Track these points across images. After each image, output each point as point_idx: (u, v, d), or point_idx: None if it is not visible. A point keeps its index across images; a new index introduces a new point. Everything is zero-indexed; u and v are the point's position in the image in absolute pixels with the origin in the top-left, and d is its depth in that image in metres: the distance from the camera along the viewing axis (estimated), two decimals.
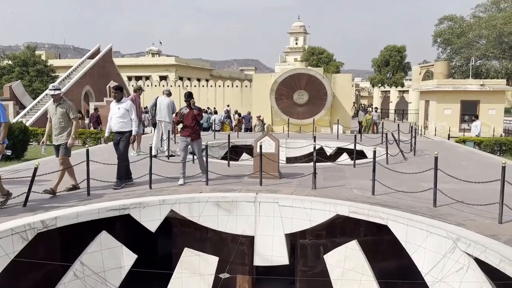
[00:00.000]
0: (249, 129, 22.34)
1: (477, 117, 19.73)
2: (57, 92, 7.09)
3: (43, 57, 44.66)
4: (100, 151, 11.95)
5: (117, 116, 7.76)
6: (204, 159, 8.04)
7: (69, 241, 6.61)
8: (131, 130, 7.79)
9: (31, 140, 16.35)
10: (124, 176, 7.79)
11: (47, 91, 7.35)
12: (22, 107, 29.18)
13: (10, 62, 40.90)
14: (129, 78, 51.63)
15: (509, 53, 49.42)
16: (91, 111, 26.00)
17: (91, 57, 34.50)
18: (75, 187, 7.35)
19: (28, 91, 33.61)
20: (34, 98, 30.79)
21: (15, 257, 5.17)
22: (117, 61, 42.54)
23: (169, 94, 11.70)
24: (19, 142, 13.89)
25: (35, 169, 6.14)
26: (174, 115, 9.86)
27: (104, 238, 6.04)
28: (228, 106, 30.01)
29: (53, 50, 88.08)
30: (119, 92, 7.95)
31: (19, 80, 33.37)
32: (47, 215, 5.75)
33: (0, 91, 34.66)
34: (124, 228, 7.30)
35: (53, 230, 5.71)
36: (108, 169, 7.97)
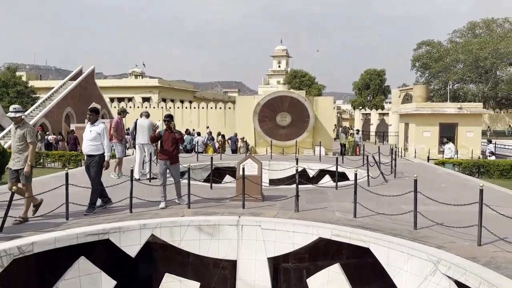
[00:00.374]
0: (235, 151, 22.34)
1: (449, 139, 20.13)
2: (18, 114, 6.83)
3: (24, 78, 44.22)
4: (79, 174, 11.72)
5: (88, 139, 7.60)
6: (184, 182, 8.00)
7: (46, 267, 6.41)
8: (102, 154, 7.58)
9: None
10: (96, 202, 7.56)
11: (8, 114, 6.99)
12: (1, 128, 28.61)
13: None
14: (112, 100, 51.36)
15: (485, 77, 51.11)
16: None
17: (73, 78, 34.28)
18: (24, 220, 6.68)
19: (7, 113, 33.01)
20: None
21: None
22: (100, 82, 42.37)
23: (147, 115, 11.48)
24: None
25: (13, 193, 6.00)
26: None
27: (83, 264, 5.90)
28: (207, 127, 29.97)
29: (35, 71, 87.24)
30: (94, 115, 7.75)
31: None
32: (23, 240, 5.59)
33: None
34: (103, 253, 7.12)
35: (30, 256, 5.54)
36: (88, 192, 7.83)
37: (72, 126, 27.14)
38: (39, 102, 32.07)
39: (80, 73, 34.83)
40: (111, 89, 53.59)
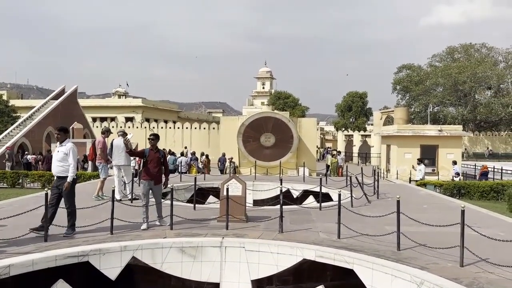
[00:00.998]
0: (222, 171, 22.18)
1: (421, 160, 20.40)
2: None
3: (5, 97, 43.59)
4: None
5: (56, 159, 7.19)
6: (167, 203, 7.90)
7: None
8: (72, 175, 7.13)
9: None
10: (75, 223, 7.25)
11: None
12: None
13: None
14: (94, 119, 50.88)
15: (464, 100, 52.47)
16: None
17: (55, 97, 33.95)
18: None
19: None
20: None
21: None
22: (82, 102, 42.03)
23: (123, 134, 10.50)
24: None
25: None
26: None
27: (61, 287, 5.71)
28: (185, 148, 29.74)
29: (16, 90, 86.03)
30: (62, 134, 7.31)
31: None
32: (0, 263, 5.41)
33: None
34: (82, 276, 6.92)
35: (6, 278, 5.35)
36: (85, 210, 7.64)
37: (53, 146, 26.69)
38: (19, 121, 31.54)
39: (62, 92, 34.52)
40: (94, 109, 53.16)
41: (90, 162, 19.24)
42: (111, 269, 6.18)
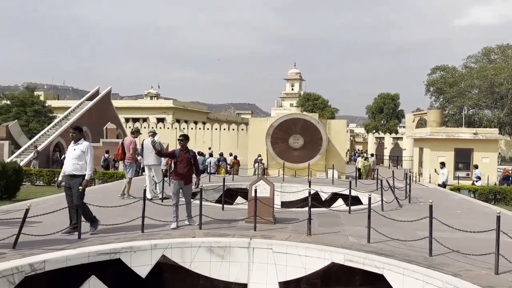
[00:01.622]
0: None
1: (444, 164, 19.76)
2: None
3: (42, 98, 45.19)
4: (91, 193, 11.83)
5: (72, 157, 7.18)
6: (196, 203, 7.99)
7: (57, 286, 6.40)
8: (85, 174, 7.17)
9: (24, 180, 16.22)
10: (94, 218, 7.33)
11: None
12: (18, 146, 29.14)
13: (8, 102, 41.27)
14: (127, 120, 52.07)
15: (500, 102, 50.60)
16: None
17: (90, 98, 34.95)
18: None
19: (25, 131, 33.70)
20: (30, 138, 30.83)
21: None
22: (116, 103, 43.10)
23: (153, 134, 10.59)
24: (12, 182, 13.76)
25: (27, 211, 6.06)
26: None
27: (93, 283, 5.88)
28: (209, 149, 29.92)
29: (52, 91, 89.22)
30: (78, 133, 7.38)
31: (16, 120, 33.55)
32: (35, 258, 5.61)
33: None
34: (114, 273, 7.10)
35: (41, 273, 5.55)
36: (101, 211, 7.86)
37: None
38: (55, 121, 32.69)
39: (97, 93, 35.53)
40: (127, 110, 54.43)
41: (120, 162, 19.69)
42: (142, 267, 6.31)
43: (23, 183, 15.70)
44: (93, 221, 7.34)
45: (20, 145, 29.16)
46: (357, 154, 44.29)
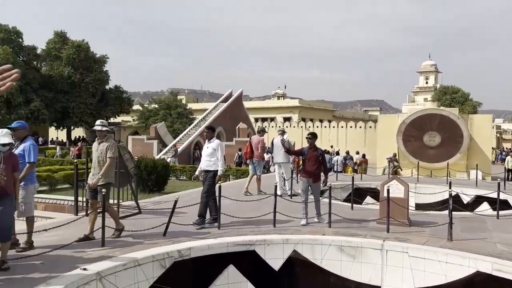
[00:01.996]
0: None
1: None
2: (104, 128, 6.70)
3: (184, 101, 50.07)
4: (227, 188, 12.68)
5: (206, 154, 7.84)
6: (324, 201, 7.98)
7: (200, 272, 7.04)
8: (216, 170, 7.69)
9: (170, 175, 18.11)
10: (204, 214, 7.69)
11: (95, 127, 6.77)
12: (165, 145, 32.75)
13: (156, 105, 46.61)
14: (256, 120, 54.47)
15: None
16: None
17: (224, 100, 37.52)
18: (87, 238, 6.41)
19: (170, 131, 37.69)
20: (174, 138, 34.36)
21: (154, 283, 5.68)
22: (246, 104, 45.51)
23: (282, 133, 11.13)
24: (161, 176, 15.50)
25: (175, 202, 6.78)
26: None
27: (231, 272, 6.31)
28: (331, 147, 29.26)
29: (192, 95, 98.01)
30: (211, 132, 8.02)
31: (163, 122, 37.70)
32: (183, 245, 6.25)
33: (146, 131, 39.57)
34: (249, 263, 7.51)
35: (187, 260, 6.15)
36: (236, 204, 8.40)
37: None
38: (195, 122, 35.90)
39: (230, 96, 37.98)
40: (256, 110, 56.94)
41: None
42: (275, 260, 6.55)
43: (170, 178, 17.55)
44: (215, 219, 7.65)
45: (166, 144, 32.75)
46: (504, 153, 39.20)
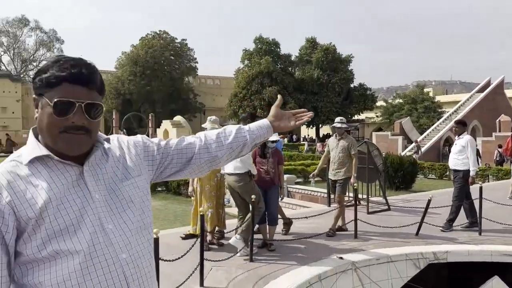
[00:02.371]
0: None
1: None
2: (343, 126, 6.91)
3: (431, 94, 46.97)
4: (488, 189, 11.20)
5: (453, 152, 7.18)
6: None
7: (457, 278, 6.51)
8: (468, 170, 6.86)
9: (417, 173, 17.32)
10: (454, 218, 6.97)
11: (334, 124, 7.01)
12: (410, 141, 31.58)
13: (400, 100, 45.34)
14: None
15: None
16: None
17: (480, 90, 33.34)
18: (340, 229, 6.84)
19: (416, 127, 36.05)
20: (421, 134, 32.67)
21: (408, 282, 5.60)
22: (509, 93, 39.02)
23: None
24: (409, 173, 15.01)
25: (429, 201, 6.47)
26: None
27: (496, 283, 5.59)
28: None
29: (440, 86, 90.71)
30: (460, 126, 7.28)
31: (408, 117, 36.36)
32: (438, 247, 5.93)
33: (390, 127, 39.02)
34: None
35: (444, 263, 5.80)
36: (500, 209, 7.39)
37: (479, 140, 26.32)
38: (445, 116, 33.18)
39: (487, 84, 33.46)
40: None
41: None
42: None
43: (417, 176, 16.79)
44: (451, 220, 7.00)
45: (411, 140, 31.49)
46: None
